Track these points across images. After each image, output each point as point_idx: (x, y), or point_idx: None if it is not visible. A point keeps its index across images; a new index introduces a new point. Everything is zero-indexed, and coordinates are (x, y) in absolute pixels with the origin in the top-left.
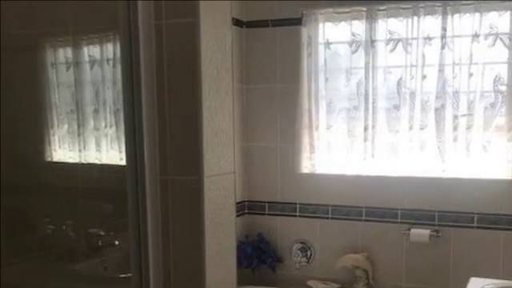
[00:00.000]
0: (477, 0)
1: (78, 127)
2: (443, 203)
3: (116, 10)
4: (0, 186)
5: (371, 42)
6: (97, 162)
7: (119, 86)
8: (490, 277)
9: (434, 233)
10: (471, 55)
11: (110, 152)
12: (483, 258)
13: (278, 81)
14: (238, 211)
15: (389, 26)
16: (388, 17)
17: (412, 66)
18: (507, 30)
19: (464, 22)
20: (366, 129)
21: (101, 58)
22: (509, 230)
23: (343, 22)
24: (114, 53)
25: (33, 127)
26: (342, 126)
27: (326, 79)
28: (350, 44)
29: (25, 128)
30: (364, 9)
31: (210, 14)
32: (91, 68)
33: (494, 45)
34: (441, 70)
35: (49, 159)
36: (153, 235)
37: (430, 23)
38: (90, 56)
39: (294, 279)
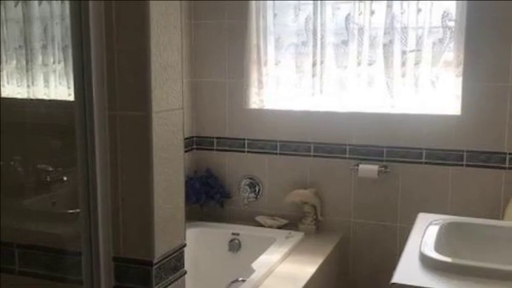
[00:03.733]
0: None
1: (27, 63)
2: (391, 139)
3: None
4: None
5: None
6: (45, 97)
7: (67, 21)
8: (438, 212)
9: (383, 168)
10: None
11: (58, 88)
12: (431, 194)
13: (227, 16)
14: (186, 147)
15: None
16: None
17: (360, 1)
18: None
19: None
20: (314, 64)
21: None
22: (457, 165)
23: None
24: None
25: None
26: (291, 62)
27: (275, 15)
28: None
29: None
30: None
31: None
32: (39, 3)
33: None
34: (389, 6)
35: None
36: (101, 171)
37: None
38: None
39: (243, 215)
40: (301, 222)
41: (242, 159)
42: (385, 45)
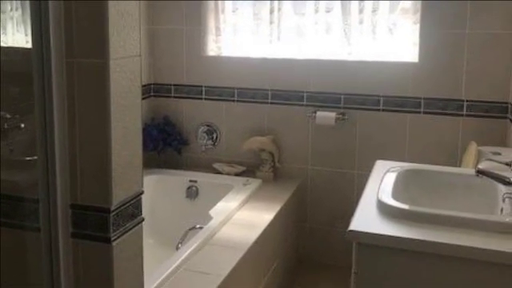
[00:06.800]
0: None
1: None
2: (349, 86)
3: None
4: None
5: None
6: (3, 44)
7: None
8: (395, 159)
9: (340, 115)
10: None
11: (15, 35)
12: (389, 141)
13: None
14: (143, 94)
15: None
16: None
17: None
18: None
19: None
20: (271, 11)
21: None
22: (414, 112)
23: None
24: None
25: None
26: (248, 9)
27: None
28: None
29: None
30: None
31: None
32: None
33: None
34: None
35: None
36: (58, 118)
37: None
38: None
39: (200, 162)
40: (258, 169)
41: (200, 106)
42: None
